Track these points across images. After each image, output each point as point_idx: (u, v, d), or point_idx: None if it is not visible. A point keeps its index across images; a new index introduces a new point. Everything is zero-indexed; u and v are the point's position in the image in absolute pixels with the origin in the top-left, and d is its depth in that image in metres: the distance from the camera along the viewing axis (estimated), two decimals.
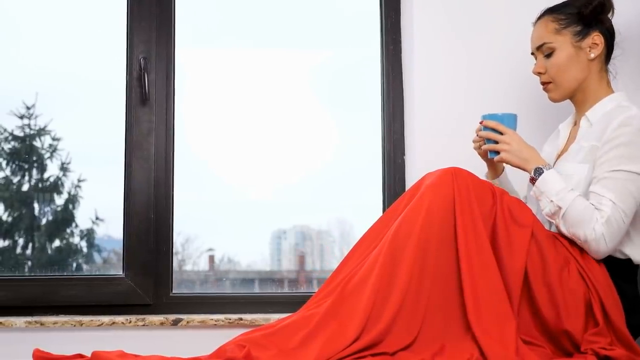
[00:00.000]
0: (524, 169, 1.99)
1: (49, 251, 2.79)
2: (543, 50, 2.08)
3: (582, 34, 2.05)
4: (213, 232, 2.85)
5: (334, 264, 3.12)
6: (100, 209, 2.79)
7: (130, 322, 2.18)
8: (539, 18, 2.11)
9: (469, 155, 2.37)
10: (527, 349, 1.75)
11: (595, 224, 1.86)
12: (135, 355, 1.80)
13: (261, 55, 2.70)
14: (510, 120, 2.02)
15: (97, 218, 2.79)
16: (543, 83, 2.10)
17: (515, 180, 2.22)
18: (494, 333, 1.74)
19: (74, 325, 2.16)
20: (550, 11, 2.09)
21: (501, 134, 2.00)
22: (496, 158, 2.02)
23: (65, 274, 2.57)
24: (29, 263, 2.80)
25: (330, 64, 2.76)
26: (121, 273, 2.33)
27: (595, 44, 2.05)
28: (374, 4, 2.60)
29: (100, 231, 2.84)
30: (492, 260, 1.80)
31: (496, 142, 2.00)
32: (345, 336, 1.72)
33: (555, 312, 1.82)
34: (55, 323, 2.15)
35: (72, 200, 2.82)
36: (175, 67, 2.43)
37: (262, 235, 2.97)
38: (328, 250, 3.16)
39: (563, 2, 2.10)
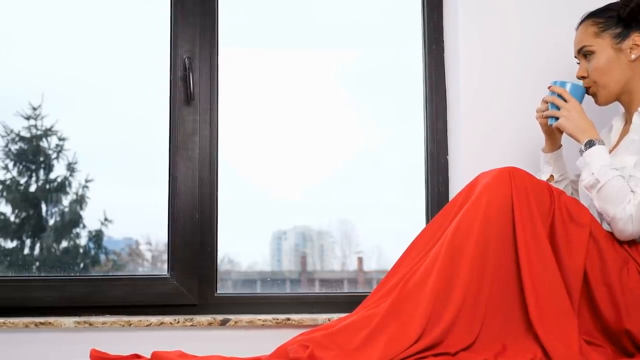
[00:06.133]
0: (577, 139, 2.00)
1: (57, 252, 2.77)
2: (584, 54, 2.09)
3: (622, 36, 2.05)
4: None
5: (334, 264, 3.12)
6: (106, 210, 2.77)
7: (178, 322, 2.17)
8: (581, 23, 2.13)
9: (515, 155, 2.38)
10: (589, 349, 1.75)
11: (627, 205, 1.87)
12: (194, 356, 1.80)
13: (289, 55, 2.68)
14: (578, 91, 2.06)
15: (105, 219, 2.77)
16: (587, 88, 2.10)
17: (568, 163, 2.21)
18: (556, 332, 1.73)
19: (123, 326, 2.15)
20: (591, 15, 2.11)
21: (566, 102, 2.03)
22: (554, 124, 2.05)
23: (110, 274, 2.56)
24: (37, 264, 2.77)
25: (361, 63, 2.74)
26: (166, 273, 2.32)
27: (636, 44, 2.05)
28: (414, 3, 2.59)
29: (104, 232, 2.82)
30: (551, 259, 1.80)
31: (559, 110, 2.03)
32: (407, 336, 1.72)
33: (615, 312, 1.82)
34: (104, 323, 2.14)
35: (80, 200, 2.80)
36: (219, 66, 2.41)
37: (263, 236, 2.95)
38: (329, 250, 3.15)
39: (603, 6, 2.11)
